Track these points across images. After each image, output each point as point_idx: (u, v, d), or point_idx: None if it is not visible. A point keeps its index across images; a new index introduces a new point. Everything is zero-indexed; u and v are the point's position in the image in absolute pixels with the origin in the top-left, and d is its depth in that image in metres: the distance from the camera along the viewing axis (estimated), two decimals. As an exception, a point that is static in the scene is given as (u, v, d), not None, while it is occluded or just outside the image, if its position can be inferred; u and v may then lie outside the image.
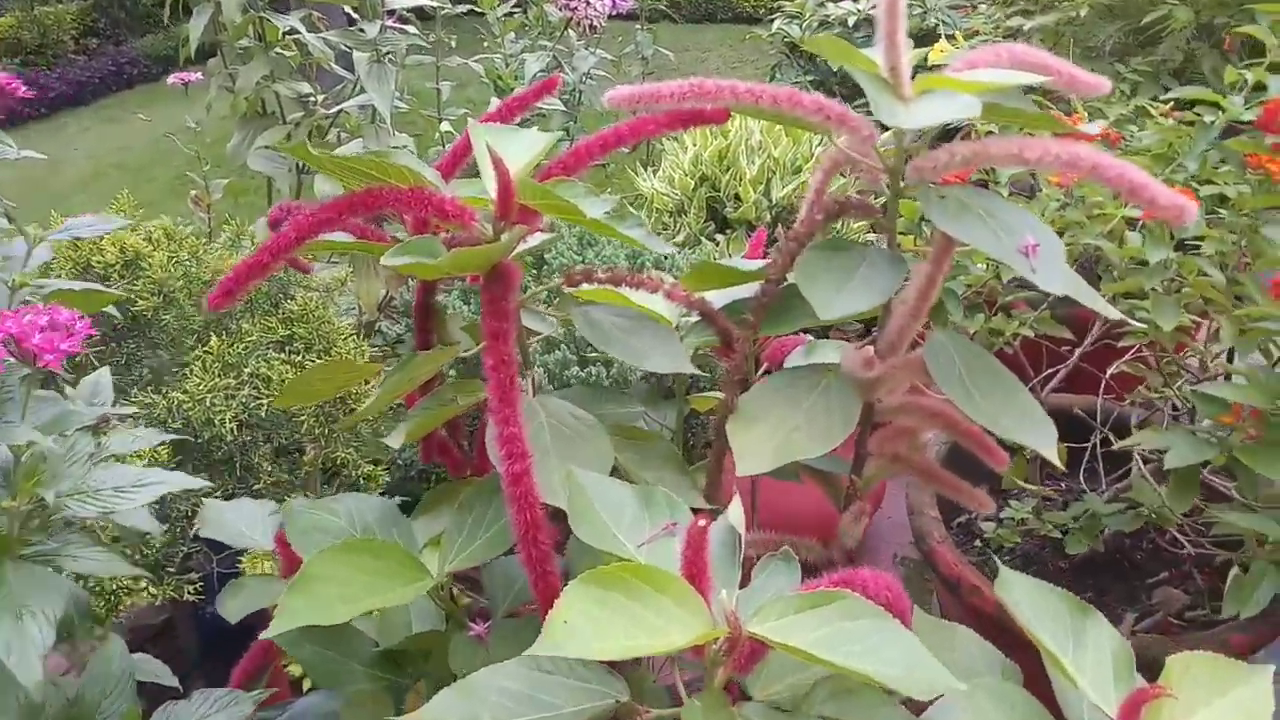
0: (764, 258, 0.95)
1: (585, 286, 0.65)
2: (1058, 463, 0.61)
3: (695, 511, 0.67)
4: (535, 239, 0.64)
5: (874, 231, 1.55)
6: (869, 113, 0.62)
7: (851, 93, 2.45)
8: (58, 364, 0.50)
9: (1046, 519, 1.01)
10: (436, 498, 0.69)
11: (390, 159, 0.60)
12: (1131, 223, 0.90)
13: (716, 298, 0.79)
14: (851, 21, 2.36)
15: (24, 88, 0.75)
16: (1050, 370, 1.06)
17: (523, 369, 0.64)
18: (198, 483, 0.50)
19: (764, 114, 0.67)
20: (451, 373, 1.06)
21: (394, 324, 1.99)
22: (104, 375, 0.79)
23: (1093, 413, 1.11)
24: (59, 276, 1.23)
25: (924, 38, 2.37)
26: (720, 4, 7.07)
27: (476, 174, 0.78)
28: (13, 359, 0.49)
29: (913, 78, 0.61)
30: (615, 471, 0.61)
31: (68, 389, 0.76)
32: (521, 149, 0.66)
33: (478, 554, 0.59)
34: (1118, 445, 0.94)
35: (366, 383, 1.16)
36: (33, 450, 0.49)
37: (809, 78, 2.43)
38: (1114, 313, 0.64)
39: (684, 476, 0.65)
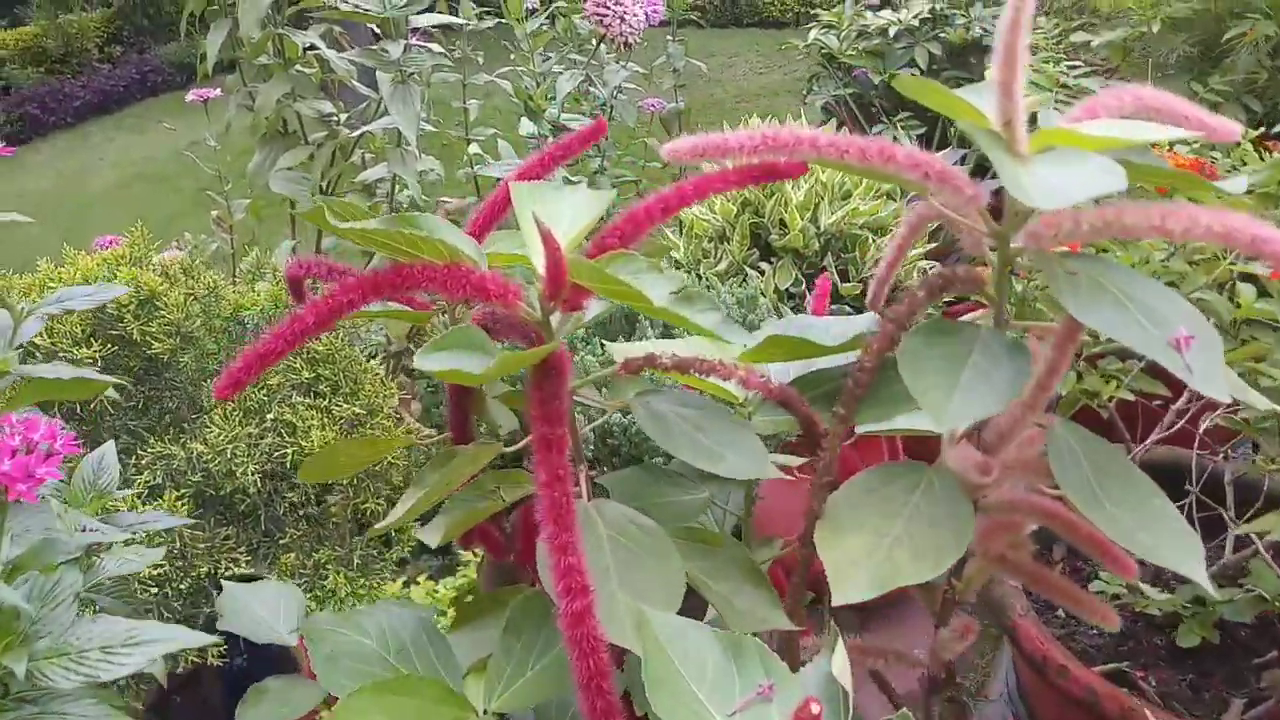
0: (827, 310, 0.87)
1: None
2: (1206, 584, 0.52)
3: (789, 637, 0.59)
4: (588, 315, 0.56)
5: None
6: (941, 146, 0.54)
7: (894, 107, 2.36)
8: (32, 495, 0.42)
9: (1151, 602, 0.92)
10: (478, 607, 0.61)
11: (423, 232, 0.52)
12: (1244, 276, 0.81)
13: (780, 370, 0.70)
14: (892, 32, 2.27)
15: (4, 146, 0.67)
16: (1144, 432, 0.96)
17: (575, 464, 0.56)
18: (203, 638, 0.42)
19: (849, 169, 0.59)
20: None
21: (419, 346, 1.92)
22: (109, 452, 0.71)
23: (1184, 468, 1.01)
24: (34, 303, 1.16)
25: (968, 49, 2.27)
26: (746, 9, 6.98)
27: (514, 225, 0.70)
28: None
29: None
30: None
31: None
32: (571, 214, 0.58)
33: (529, 693, 0.51)
34: (1242, 529, 0.85)
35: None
36: (3, 603, 0.41)
37: (848, 90, 2.34)
38: (1264, 402, 0.55)
39: (763, 591, 0.57)
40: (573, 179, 2.00)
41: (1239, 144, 1.03)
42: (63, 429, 0.45)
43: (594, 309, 0.56)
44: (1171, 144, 1.08)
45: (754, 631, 0.56)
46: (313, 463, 0.69)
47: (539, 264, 0.53)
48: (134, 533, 0.62)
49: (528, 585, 0.75)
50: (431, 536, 0.60)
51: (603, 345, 1.02)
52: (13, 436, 0.43)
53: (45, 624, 0.41)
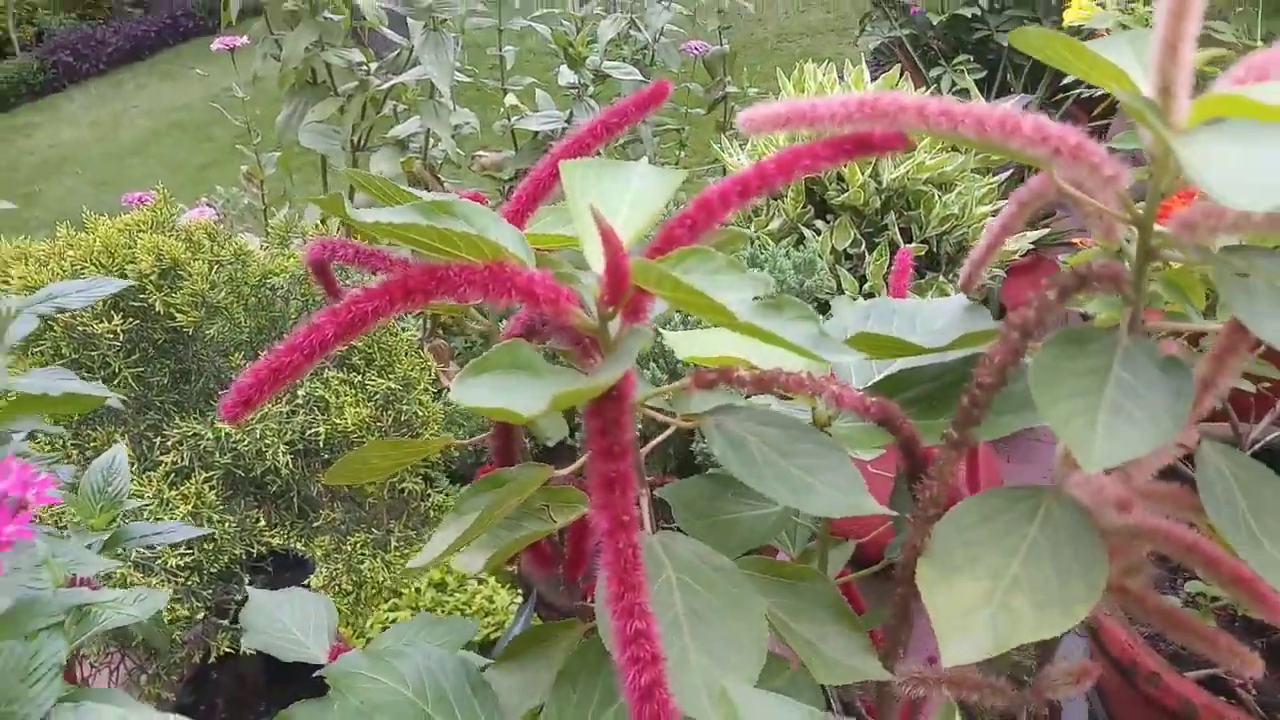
0: (907, 289, 0.78)
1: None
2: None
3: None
4: (648, 322, 0.48)
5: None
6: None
7: (952, 49, 2.23)
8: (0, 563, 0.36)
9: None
10: (526, 643, 0.54)
11: (461, 226, 0.44)
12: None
13: (861, 368, 0.62)
14: (953, -34, 2.13)
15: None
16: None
17: (638, 491, 0.49)
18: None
19: (962, 139, 0.50)
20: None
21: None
22: (120, 455, 0.65)
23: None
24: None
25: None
26: (789, -59, 6.72)
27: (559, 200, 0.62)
28: (-54, 549, 0.35)
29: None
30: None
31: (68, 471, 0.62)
32: (633, 199, 0.50)
33: (586, 759, 0.45)
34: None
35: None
36: (-29, 689, 0.35)
37: (905, 31, 2.20)
38: None
39: (854, 634, 0.49)
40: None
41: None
42: (38, 471, 0.38)
43: (654, 311, 0.48)
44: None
45: (845, 682, 0.49)
46: (343, 466, 0.63)
47: (595, 261, 0.45)
48: (148, 548, 0.55)
49: (578, 601, 0.68)
50: (475, 563, 0.53)
51: (658, 332, 0.94)
52: (-22, 488, 0.37)
53: (21, 706, 0.35)
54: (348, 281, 1.04)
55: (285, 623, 0.68)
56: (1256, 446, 0.92)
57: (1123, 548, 0.55)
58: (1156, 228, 0.48)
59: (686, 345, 0.61)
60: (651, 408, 0.52)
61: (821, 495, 0.44)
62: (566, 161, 0.50)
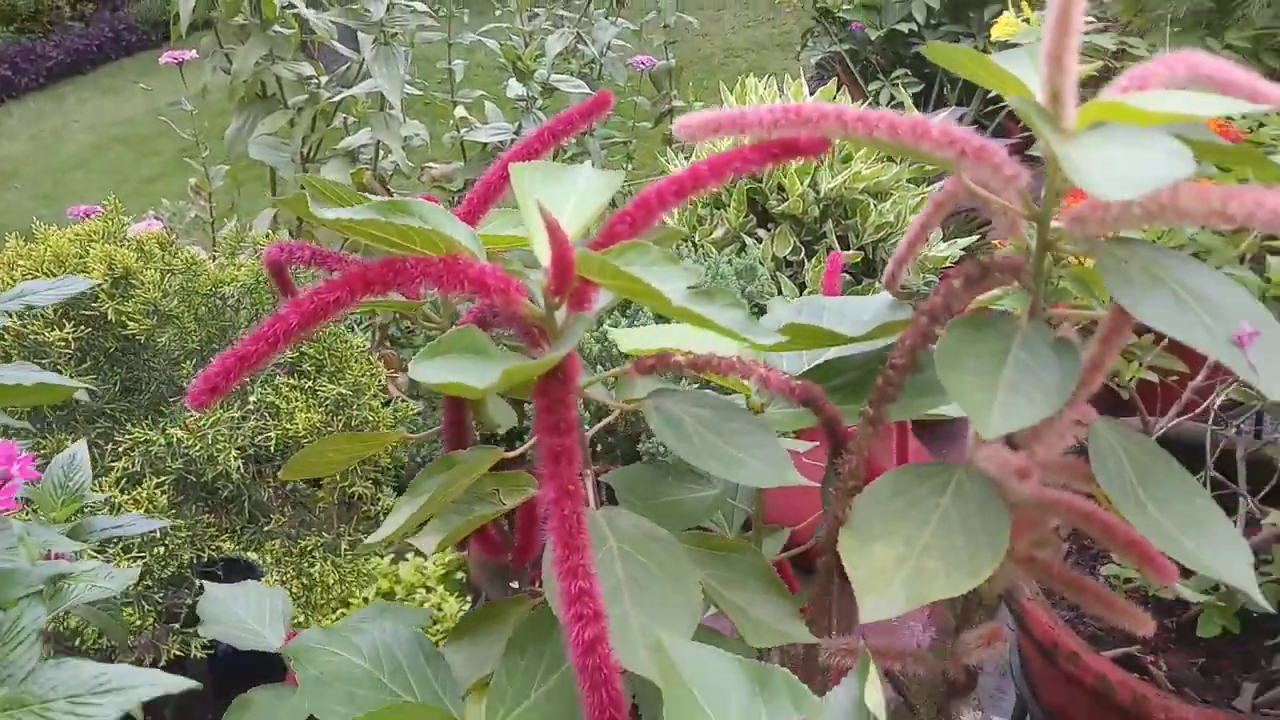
0: (839, 289, 0.83)
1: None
2: (1259, 598, 0.48)
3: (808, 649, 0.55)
4: (592, 311, 0.51)
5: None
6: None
7: (890, 64, 2.30)
8: (-14, 528, 0.38)
9: (1178, 593, 0.89)
10: (476, 620, 0.57)
11: (416, 222, 0.47)
12: (1273, 250, 0.77)
13: (792, 359, 0.66)
14: (889, -15, 2.20)
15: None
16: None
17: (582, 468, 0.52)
18: (183, 683, 0.38)
19: (877, 144, 0.54)
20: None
21: (404, 317, 1.87)
22: (81, 451, 0.67)
23: (1196, 444, 0.98)
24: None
25: (966, 3, 2.21)
26: (735, -40, 6.83)
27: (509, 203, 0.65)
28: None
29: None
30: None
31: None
32: (576, 198, 0.53)
33: (533, 718, 0.48)
34: (1270, 518, 0.82)
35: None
36: (-44, 649, 0.38)
37: (844, 46, 2.27)
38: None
39: (782, 600, 0.53)
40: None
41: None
42: (21, 449, 0.40)
43: (601, 300, 0.52)
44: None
45: (773, 645, 0.53)
46: (299, 460, 0.65)
47: (542, 255, 0.48)
48: (108, 541, 0.57)
49: (526, 588, 0.71)
50: (427, 544, 0.56)
51: (602, 328, 0.98)
52: (-38, 463, 0.39)
53: (6, 668, 0.37)
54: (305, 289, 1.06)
55: (241, 615, 0.70)
56: (1162, 433, 0.98)
57: (1031, 521, 0.59)
58: (1053, 223, 0.52)
59: (628, 340, 0.65)
60: (596, 396, 0.55)
61: (751, 468, 0.48)
62: (516, 164, 0.54)
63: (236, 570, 1.24)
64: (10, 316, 0.55)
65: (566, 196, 0.54)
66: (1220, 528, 0.50)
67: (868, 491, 0.52)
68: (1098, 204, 0.49)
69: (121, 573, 0.50)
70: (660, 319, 1.28)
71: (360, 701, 0.49)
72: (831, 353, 0.64)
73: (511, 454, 0.53)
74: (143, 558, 1.03)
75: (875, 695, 0.42)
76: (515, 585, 0.70)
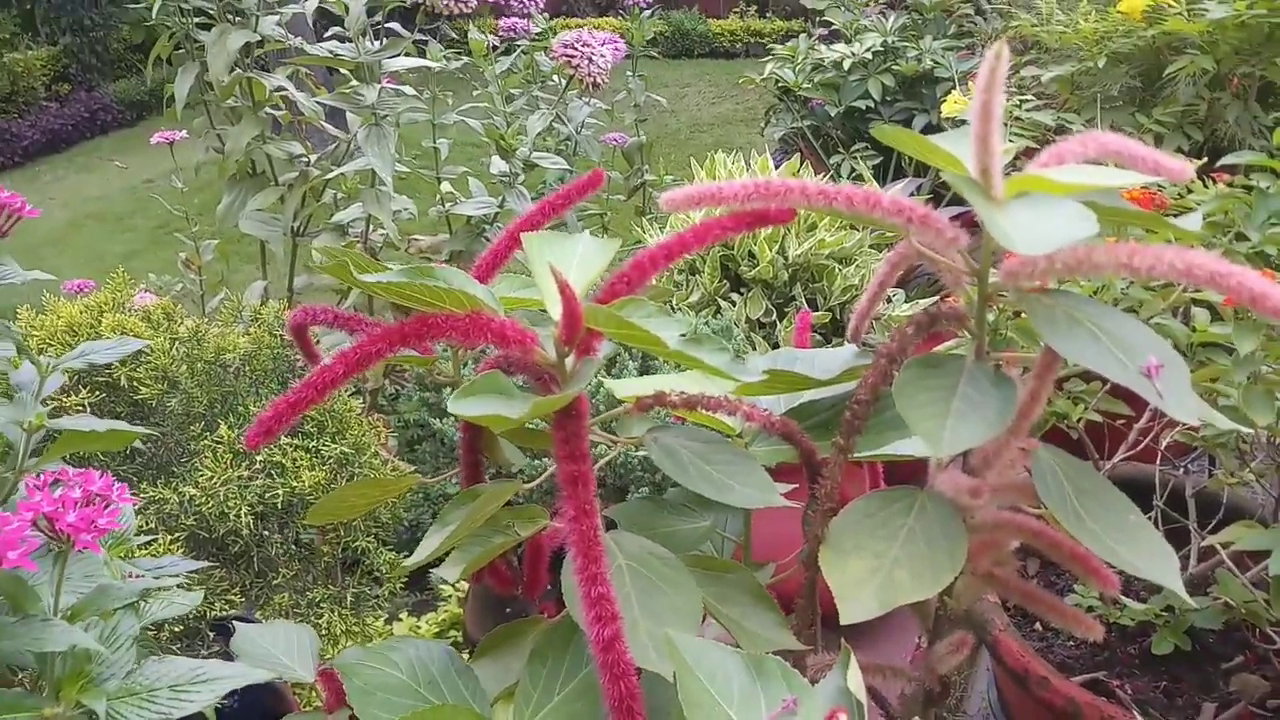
0: (806, 344, 0.91)
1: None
2: (1184, 595, 0.56)
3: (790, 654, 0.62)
4: (598, 357, 0.59)
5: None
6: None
7: (850, 138, 2.42)
8: (96, 545, 0.44)
9: (1126, 613, 0.97)
10: (499, 638, 0.64)
11: (443, 284, 0.55)
12: (1198, 302, 0.86)
13: (770, 402, 0.74)
14: (846, 65, 2.34)
15: (28, 206, 0.69)
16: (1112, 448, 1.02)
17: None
18: (263, 675, 0.44)
19: (836, 214, 0.63)
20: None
21: (393, 384, 1.94)
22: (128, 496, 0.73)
23: (1148, 483, 1.07)
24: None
25: (920, 80, 2.35)
26: (697, 40, 7.09)
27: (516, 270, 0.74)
28: (44, 539, 0.43)
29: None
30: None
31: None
32: (579, 262, 0.61)
33: (557, 717, 0.54)
34: (1208, 540, 0.90)
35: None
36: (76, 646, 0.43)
37: (805, 122, 2.40)
38: (1225, 422, 0.59)
39: (772, 613, 0.60)
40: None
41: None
42: (114, 481, 0.47)
43: (602, 350, 0.59)
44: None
45: (764, 652, 0.60)
46: (324, 506, 0.71)
47: (554, 311, 0.56)
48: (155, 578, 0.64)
49: (535, 615, 0.77)
50: (450, 573, 0.62)
51: (600, 381, 1.05)
52: (73, 488, 0.45)
53: (110, 666, 0.43)
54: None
55: (272, 650, 0.75)
56: (1115, 473, 1.06)
57: (991, 543, 0.67)
58: (991, 278, 0.61)
59: (624, 388, 0.72)
60: (600, 432, 0.62)
61: (738, 492, 0.56)
62: (525, 233, 0.62)
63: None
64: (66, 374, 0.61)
65: (569, 260, 0.62)
66: (1150, 538, 0.58)
67: (844, 513, 0.60)
68: (1026, 260, 0.57)
69: (189, 595, 0.56)
70: (645, 371, 1.36)
71: (399, 708, 0.55)
72: (806, 396, 0.72)
73: (529, 485, 0.60)
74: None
75: (856, 680, 0.49)
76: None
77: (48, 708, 0.41)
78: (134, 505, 0.67)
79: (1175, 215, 0.86)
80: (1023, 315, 0.83)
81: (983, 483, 0.58)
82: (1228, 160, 0.96)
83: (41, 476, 0.46)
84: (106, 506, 0.46)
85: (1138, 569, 0.55)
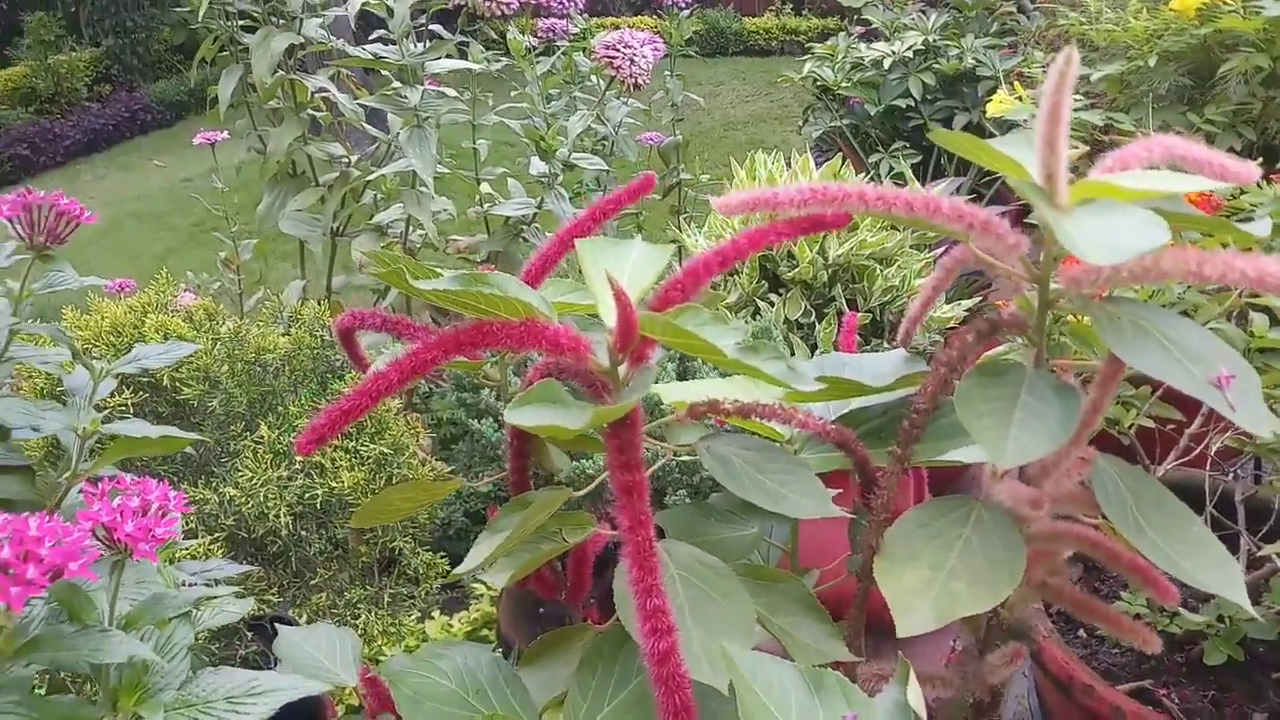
0: (851, 347, 0.90)
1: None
2: (1249, 608, 0.55)
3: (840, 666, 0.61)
4: (651, 365, 0.58)
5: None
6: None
7: (889, 137, 2.40)
8: (154, 555, 0.44)
9: (1182, 621, 0.95)
10: (546, 645, 0.63)
11: (498, 291, 0.54)
12: (1255, 306, 0.84)
13: (819, 409, 0.73)
14: (886, 64, 2.32)
15: (86, 212, 0.69)
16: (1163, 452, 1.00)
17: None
18: (318, 686, 0.44)
19: (895, 220, 0.62)
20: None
21: (428, 382, 1.94)
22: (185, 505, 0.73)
23: (1197, 489, 1.04)
24: (102, 359, 1.18)
25: (961, 79, 2.33)
26: (732, 38, 7.07)
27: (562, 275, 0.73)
28: (103, 550, 0.43)
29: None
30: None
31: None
32: (632, 268, 0.61)
33: (608, 728, 0.53)
34: (1266, 550, 0.88)
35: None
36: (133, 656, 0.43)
37: (844, 121, 2.38)
38: (1294, 433, 0.58)
39: (824, 624, 0.59)
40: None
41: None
42: (170, 489, 0.47)
43: (654, 358, 0.59)
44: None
45: (816, 663, 0.59)
46: (369, 508, 0.71)
47: (609, 318, 0.55)
48: (205, 582, 0.64)
49: (574, 618, 0.77)
50: (498, 580, 0.62)
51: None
52: (131, 497, 0.45)
53: (165, 677, 0.43)
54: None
55: (314, 654, 0.75)
56: (1164, 477, 1.04)
57: (1046, 552, 0.66)
58: (1052, 285, 0.60)
59: (671, 393, 0.72)
60: (651, 438, 0.62)
61: (792, 502, 0.55)
62: (580, 240, 0.61)
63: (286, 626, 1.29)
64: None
65: (622, 266, 0.61)
66: (1214, 550, 0.56)
67: (898, 524, 0.59)
68: (1090, 267, 0.56)
69: (240, 601, 0.56)
70: (683, 375, 1.35)
71: (448, 717, 0.55)
72: (855, 403, 0.71)
73: (579, 493, 0.60)
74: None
75: (916, 695, 0.48)
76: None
77: (105, 718, 0.42)
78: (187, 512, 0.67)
79: (1228, 218, 0.84)
80: (1077, 321, 0.81)
81: (1043, 493, 0.56)
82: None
83: (100, 485, 0.46)
84: (164, 516, 0.46)
85: (1200, 582, 0.54)
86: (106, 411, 1.16)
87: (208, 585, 0.61)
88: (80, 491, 0.50)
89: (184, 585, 0.56)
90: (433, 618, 1.68)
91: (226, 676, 0.43)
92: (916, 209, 0.58)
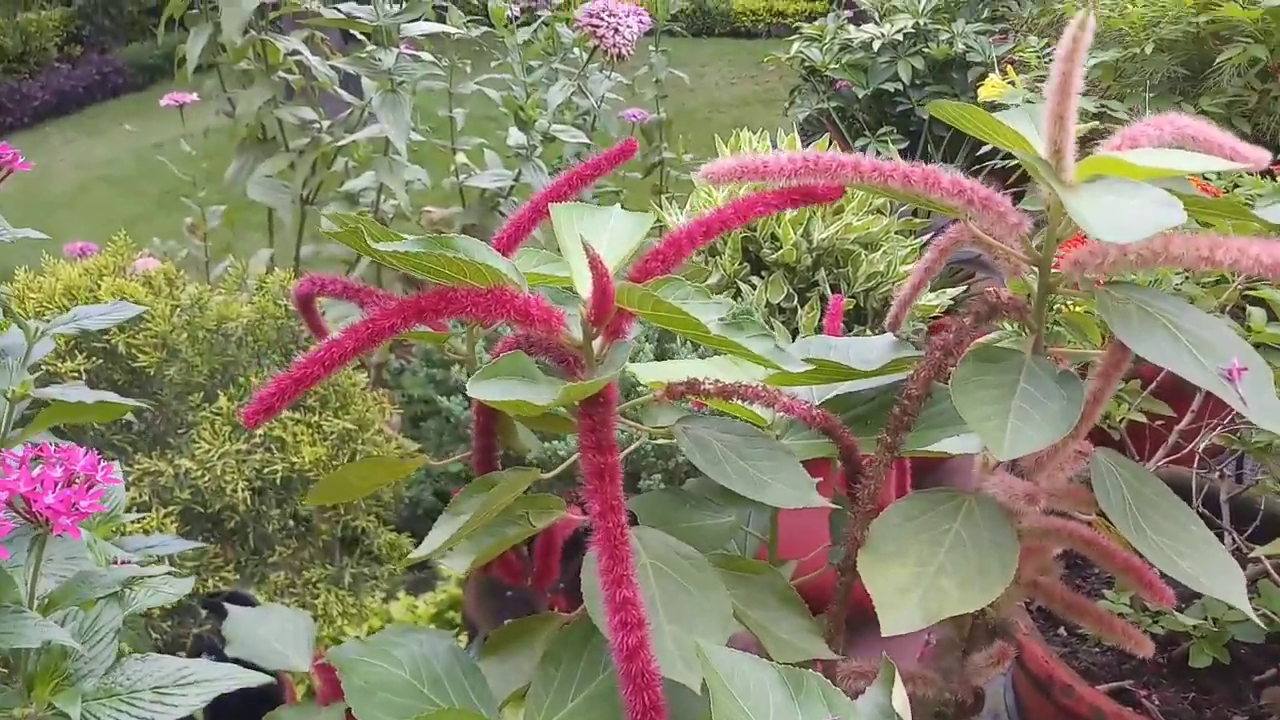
0: (838, 331, 0.86)
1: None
2: (1249, 610, 0.52)
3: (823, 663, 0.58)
4: (627, 340, 0.55)
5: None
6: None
7: (876, 121, 2.37)
8: (76, 530, 0.40)
9: (1163, 621, 0.92)
10: (508, 636, 0.60)
11: (464, 256, 0.51)
12: (1252, 299, 0.81)
13: (804, 394, 0.70)
14: (876, 46, 2.28)
15: (21, 158, 0.64)
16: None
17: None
18: (258, 677, 0.41)
19: (890, 193, 0.58)
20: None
21: (398, 358, 1.90)
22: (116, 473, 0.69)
23: (1183, 486, 1.02)
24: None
25: (951, 64, 2.29)
26: (718, 19, 7.00)
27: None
28: (20, 524, 0.39)
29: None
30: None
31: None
32: (609, 237, 0.57)
33: (571, 726, 0.50)
34: (1257, 552, 0.86)
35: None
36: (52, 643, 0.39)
37: (832, 103, 2.35)
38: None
39: (803, 619, 0.56)
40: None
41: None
42: (100, 459, 0.43)
43: (631, 334, 0.55)
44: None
45: (795, 661, 0.56)
46: (325, 485, 0.68)
47: (583, 288, 0.52)
48: (145, 559, 0.60)
49: (541, 606, 0.73)
50: (459, 565, 0.59)
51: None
52: (54, 467, 0.41)
53: (87, 663, 0.39)
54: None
55: (266, 636, 0.71)
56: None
57: (1036, 549, 0.63)
58: (1053, 268, 0.57)
59: (648, 373, 0.68)
60: (626, 418, 0.58)
61: (776, 490, 0.52)
62: (554, 204, 0.57)
63: (241, 603, 1.25)
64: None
65: (600, 234, 0.58)
66: (1214, 551, 0.53)
67: (883, 516, 0.56)
68: (1096, 249, 0.53)
69: (180, 581, 0.52)
70: (661, 354, 1.31)
71: (400, 709, 0.51)
72: (841, 388, 0.68)
73: (548, 475, 0.56)
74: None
75: (901, 698, 0.45)
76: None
77: (18, 708, 0.38)
78: (123, 482, 0.63)
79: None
80: (1070, 310, 0.78)
81: (1039, 488, 0.53)
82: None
83: (22, 451, 0.42)
84: (90, 487, 0.42)
85: (1200, 584, 0.51)
86: (56, 378, 1.11)
87: (148, 563, 0.57)
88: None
89: (121, 563, 0.52)
90: (398, 599, 1.64)
91: (155, 665, 0.39)
92: (914, 182, 0.54)
